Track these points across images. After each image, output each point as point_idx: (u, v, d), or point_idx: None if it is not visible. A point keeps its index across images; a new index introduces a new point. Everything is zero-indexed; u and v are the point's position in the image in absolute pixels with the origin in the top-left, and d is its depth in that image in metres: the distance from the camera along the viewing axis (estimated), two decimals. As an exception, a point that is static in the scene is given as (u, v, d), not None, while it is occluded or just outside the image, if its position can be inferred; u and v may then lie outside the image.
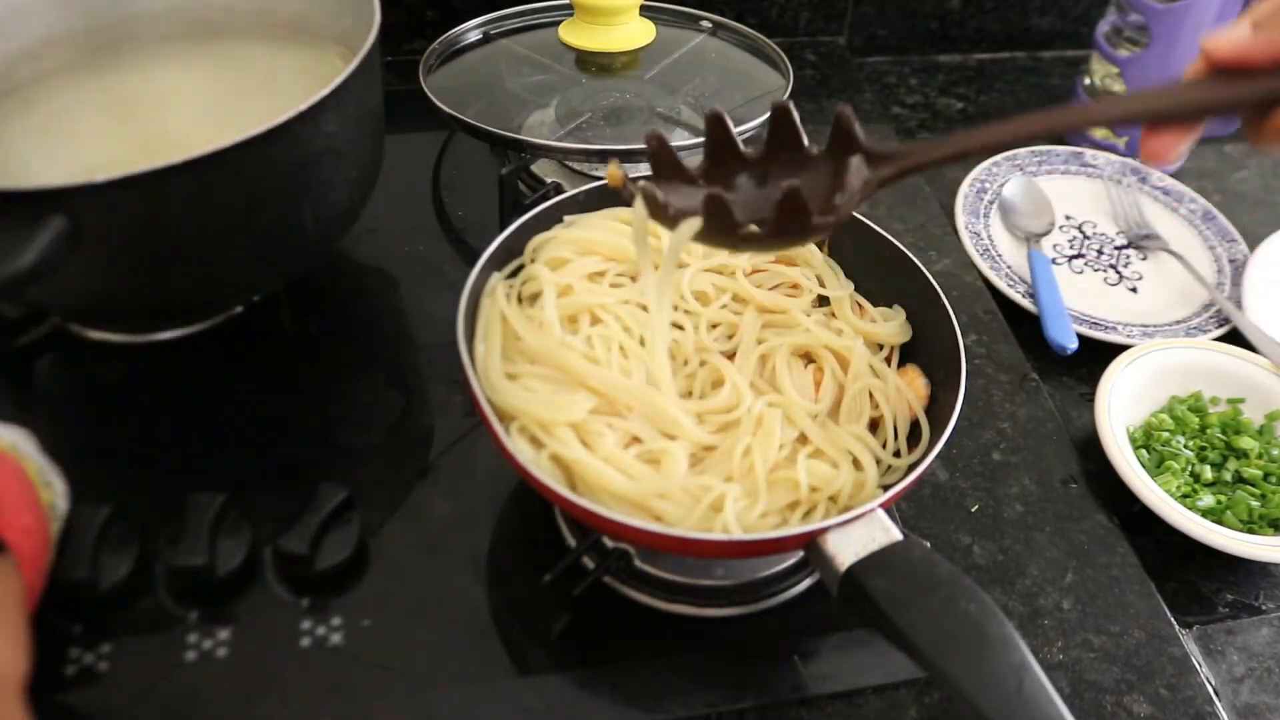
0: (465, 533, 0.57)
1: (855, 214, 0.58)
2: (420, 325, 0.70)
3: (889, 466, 0.52)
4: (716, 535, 0.45)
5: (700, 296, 0.56)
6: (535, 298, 0.55)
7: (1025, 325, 0.76)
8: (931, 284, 0.55)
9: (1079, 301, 0.79)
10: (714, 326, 0.55)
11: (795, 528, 0.45)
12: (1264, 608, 0.61)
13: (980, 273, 0.80)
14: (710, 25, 0.88)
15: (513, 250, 0.57)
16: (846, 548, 0.43)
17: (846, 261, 0.60)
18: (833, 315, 0.57)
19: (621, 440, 0.49)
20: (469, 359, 0.50)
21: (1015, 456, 0.65)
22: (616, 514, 0.44)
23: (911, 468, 0.50)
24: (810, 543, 0.44)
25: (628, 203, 0.46)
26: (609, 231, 0.57)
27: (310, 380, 0.65)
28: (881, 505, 0.45)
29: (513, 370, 0.51)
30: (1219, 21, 0.85)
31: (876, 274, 0.59)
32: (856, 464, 0.51)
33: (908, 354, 0.57)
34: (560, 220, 0.59)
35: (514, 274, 0.57)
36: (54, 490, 0.51)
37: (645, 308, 0.55)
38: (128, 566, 0.52)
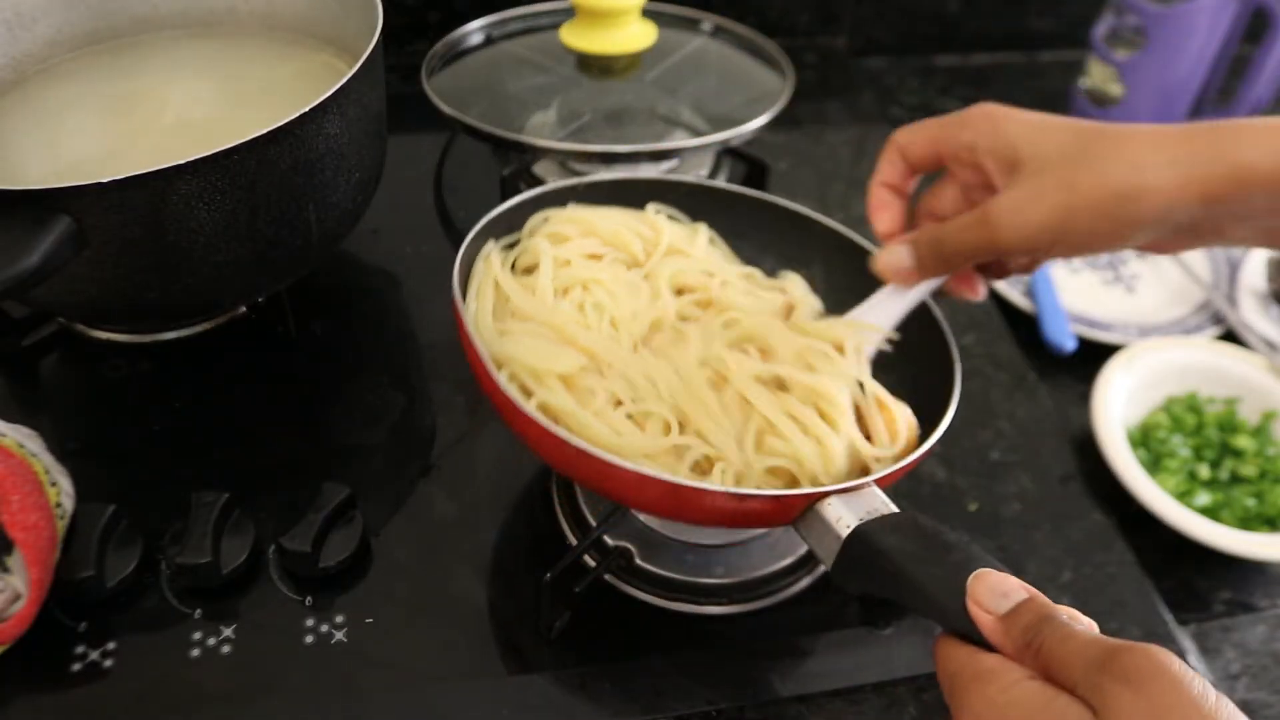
0: (467, 531, 0.58)
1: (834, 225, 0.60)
2: (422, 325, 0.71)
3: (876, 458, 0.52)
4: (713, 486, 0.45)
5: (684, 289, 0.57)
6: (530, 269, 0.56)
7: (1023, 325, 0.76)
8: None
9: (1076, 301, 0.79)
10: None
11: (797, 489, 0.45)
12: (1260, 605, 0.61)
13: (979, 273, 0.80)
14: (711, 27, 0.89)
15: (512, 225, 0.58)
16: (850, 511, 0.42)
17: (835, 268, 0.60)
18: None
19: (609, 401, 0.49)
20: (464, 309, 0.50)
21: (1013, 456, 0.66)
22: (611, 457, 0.44)
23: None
24: (809, 507, 0.44)
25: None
26: (612, 220, 0.58)
27: (313, 379, 0.66)
28: (877, 483, 0.45)
29: (503, 329, 0.52)
30: (1214, 23, 0.86)
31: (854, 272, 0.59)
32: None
33: (906, 354, 0.57)
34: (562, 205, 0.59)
35: (511, 247, 0.58)
36: (60, 489, 0.51)
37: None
38: (133, 564, 0.52)
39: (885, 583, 0.40)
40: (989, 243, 0.45)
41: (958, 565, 0.37)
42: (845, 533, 0.42)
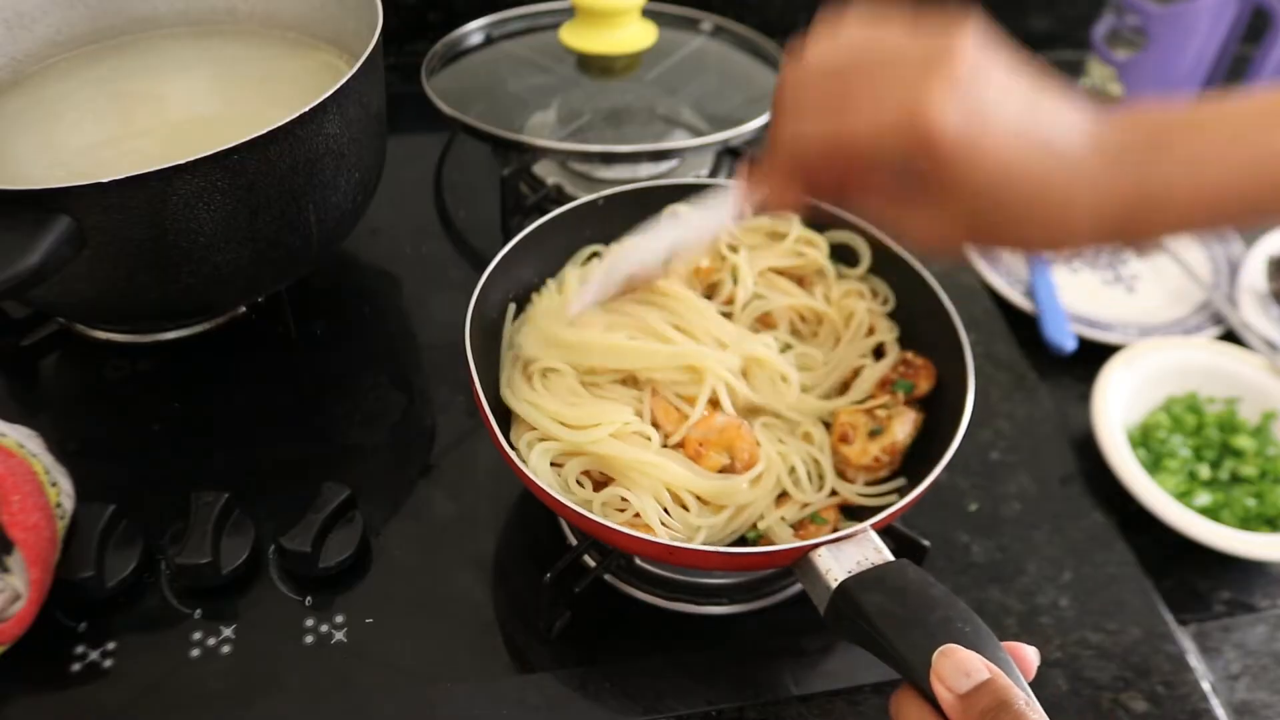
0: (467, 531, 0.58)
1: (852, 218, 0.60)
2: (422, 325, 0.71)
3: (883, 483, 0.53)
4: (705, 546, 0.47)
5: None
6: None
7: (1023, 325, 0.76)
8: (932, 288, 0.56)
9: (1077, 301, 0.79)
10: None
11: (787, 544, 0.46)
12: (1260, 606, 0.61)
13: (979, 273, 0.80)
14: (711, 27, 0.89)
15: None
16: (839, 564, 0.43)
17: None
18: None
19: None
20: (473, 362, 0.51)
21: (1013, 456, 0.66)
22: (607, 520, 0.45)
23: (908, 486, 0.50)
24: (801, 558, 0.45)
25: None
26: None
27: (313, 380, 0.66)
28: (874, 526, 0.45)
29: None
30: (1214, 23, 0.86)
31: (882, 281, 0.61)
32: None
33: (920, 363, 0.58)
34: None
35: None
36: (60, 489, 0.51)
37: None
38: (133, 564, 0.52)
39: (867, 640, 0.41)
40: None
41: (935, 627, 0.38)
42: (834, 585, 0.42)
